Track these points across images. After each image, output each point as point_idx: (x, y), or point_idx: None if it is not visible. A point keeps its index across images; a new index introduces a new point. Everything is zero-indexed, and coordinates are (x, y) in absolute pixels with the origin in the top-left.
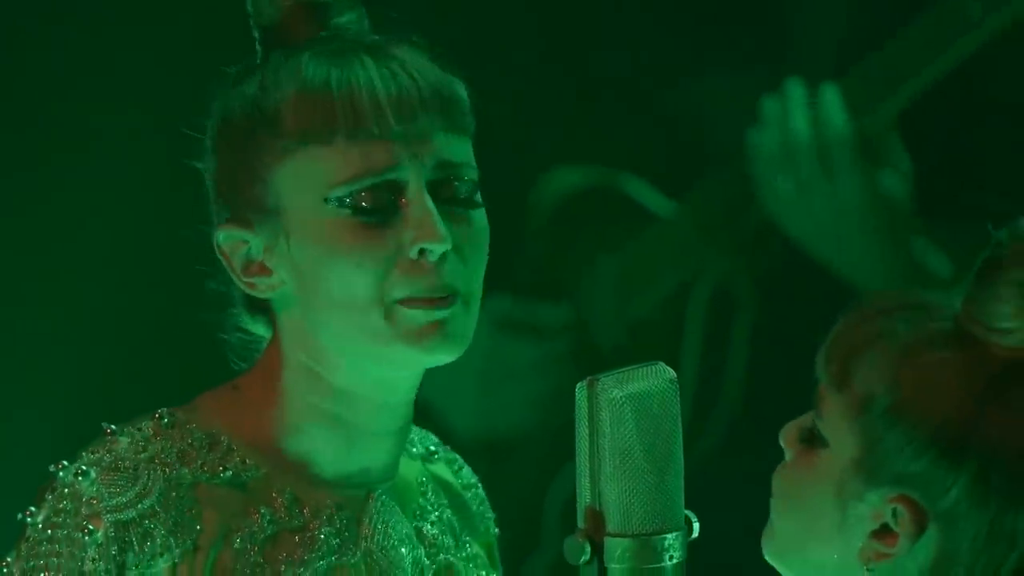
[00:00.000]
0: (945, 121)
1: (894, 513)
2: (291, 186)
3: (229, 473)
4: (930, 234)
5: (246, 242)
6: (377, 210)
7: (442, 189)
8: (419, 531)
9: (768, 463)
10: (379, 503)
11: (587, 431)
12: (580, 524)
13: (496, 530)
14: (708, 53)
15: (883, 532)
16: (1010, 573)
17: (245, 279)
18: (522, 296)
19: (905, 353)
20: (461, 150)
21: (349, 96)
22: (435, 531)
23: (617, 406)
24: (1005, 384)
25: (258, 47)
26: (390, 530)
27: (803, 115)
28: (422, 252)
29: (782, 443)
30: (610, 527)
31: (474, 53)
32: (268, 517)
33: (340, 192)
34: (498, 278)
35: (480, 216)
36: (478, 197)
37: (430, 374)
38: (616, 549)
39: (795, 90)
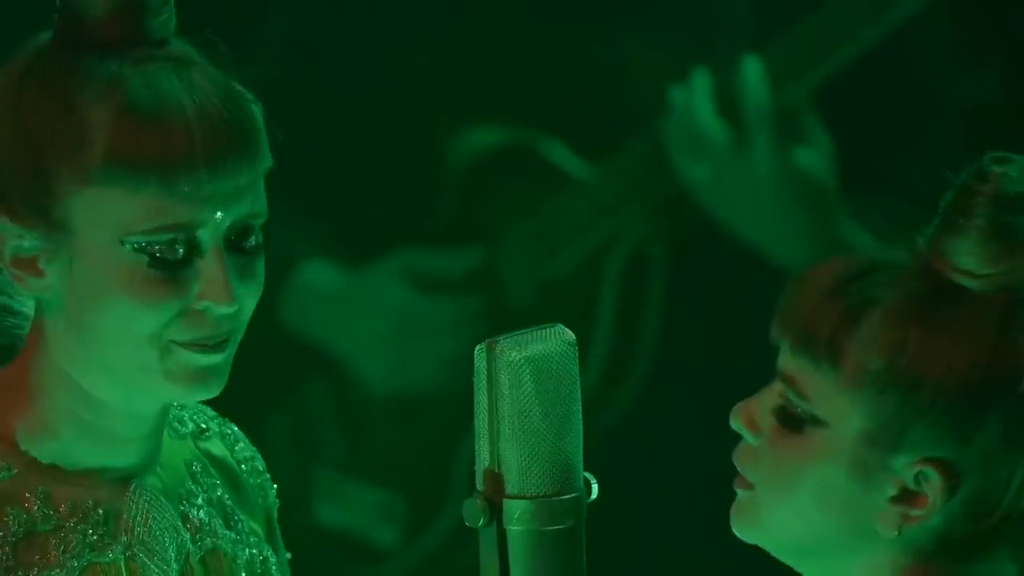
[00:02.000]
0: (864, 97)
1: (917, 477)
2: (86, 215)
3: None
4: (852, 210)
5: (21, 236)
6: (172, 262)
7: (236, 237)
8: (184, 516)
9: (679, 423)
10: (138, 494)
11: (486, 394)
12: (479, 486)
13: (276, 500)
14: (628, 16)
15: (906, 496)
16: None
17: (12, 270)
18: (436, 254)
19: (898, 316)
20: (260, 197)
21: (166, 143)
22: (202, 515)
23: (516, 368)
24: (1010, 326)
25: (55, 36)
26: (151, 521)
27: (709, 105)
28: (207, 307)
29: (739, 426)
30: (509, 489)
31: (392, 5)
32: (19, 518)
33: (138, 240)
34: (413, 235)
35: (261, 264)
36: (260, 240)
37: (347, 331)
38: (515, 511)
39: (701, 81)
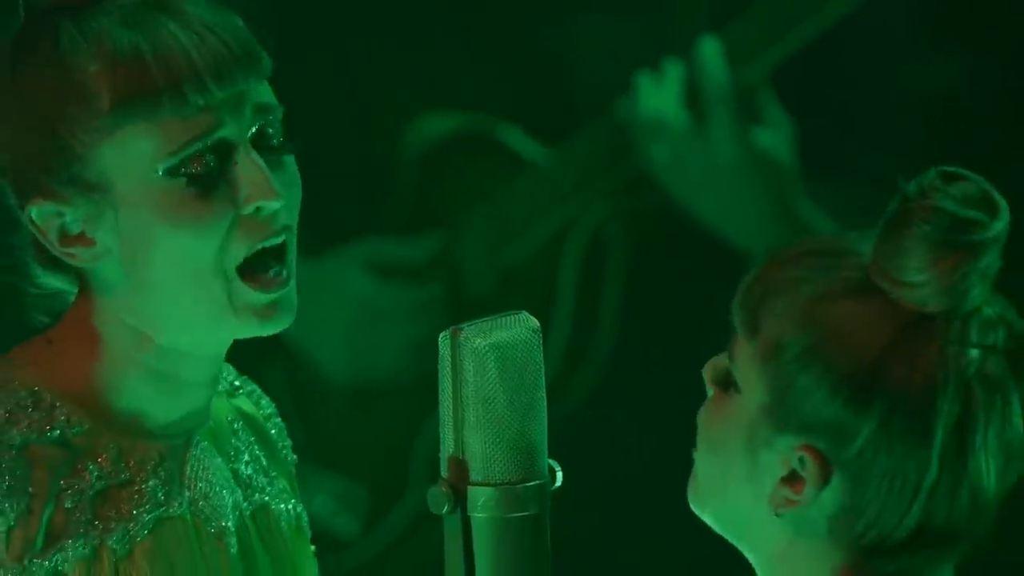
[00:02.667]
0: (823, 78)
1: (801, 461)
2: (116, 163)
3: (57, 432)
4: (811, 192)
5: (61, 214)
6: (209, 175)
7: (261, 139)
8: (235, 473)
9: (638, 409)
10: (198, 450)
11: (450, 381)
12: (443, 474)
13: (294, 457)
14: (584, 0)
15: (792, 479)
16: (914, 520)
17: (63, 250)
18: (394, 241)
19: (815, 301)
20: (270, 93)
21: (167, 70)
22: (249, 471)
23: (480, 355)
24: (909, 336)
25: (27, 14)
26: (211, 476)
27: (668, 87)
28: (258, 208)
29: (705, 379)
30: (473, 476)
31: None
32: (96, 473)
33: (170, 163)
34: (371, 222)
35: (291, 158)
36: (286, 136)
37: (303, 320)
38: (479, 498)
39: (672, 69)
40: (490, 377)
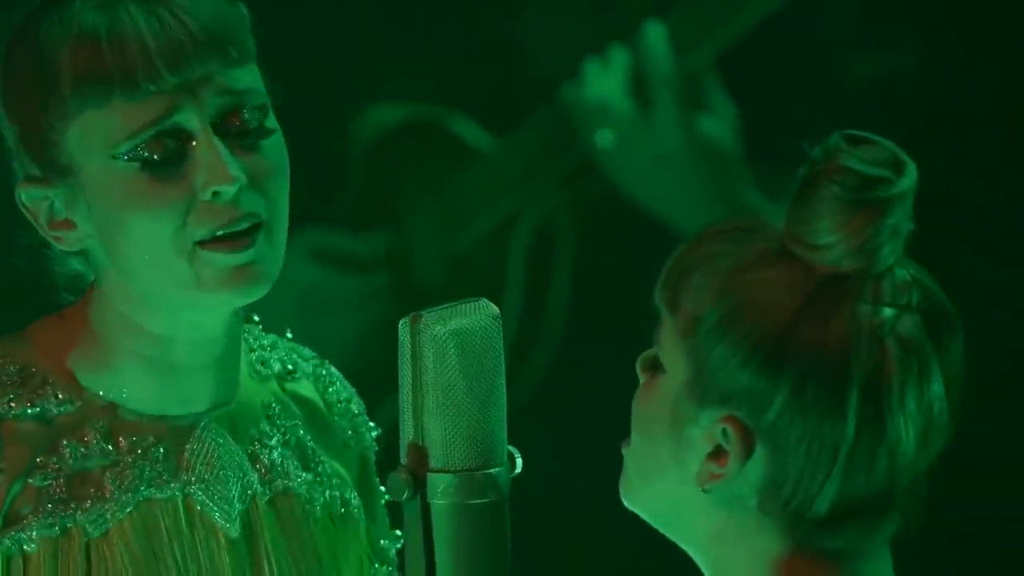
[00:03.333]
0: (768, 65)
1: (724, 433)
2: (79, 146)
3: (37, 409)
4: (755, 179)
5: (48, 198)
6: (166, 159)
7: (230, 123)
8: (253, 457)
9: (589, 397)
10: (204, 433)
11: (410, 367)
12: (403, 460)
13: (374, 444)
14: None
15: (717, 454)
16: (835, 486)
17: (52, 233)
18: (342, 229)
19: (730, 272)
20: (244, 78)
21: (120, 54)
22: (274, 456)
23: (440, 342)
24: (821, 300)
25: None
26: (214, 460)
27: (622, 78)
28: (215, 194)
29: (638, 371)
30: (433, 463)
31: None
32: (75, 452)
33: (125, 147)
34: (318, 211)
35: (273, 143)
36: (270, 123)
37: (251, 306)
38: (439, 485)
39: (618, 55)
40: (450, 364)
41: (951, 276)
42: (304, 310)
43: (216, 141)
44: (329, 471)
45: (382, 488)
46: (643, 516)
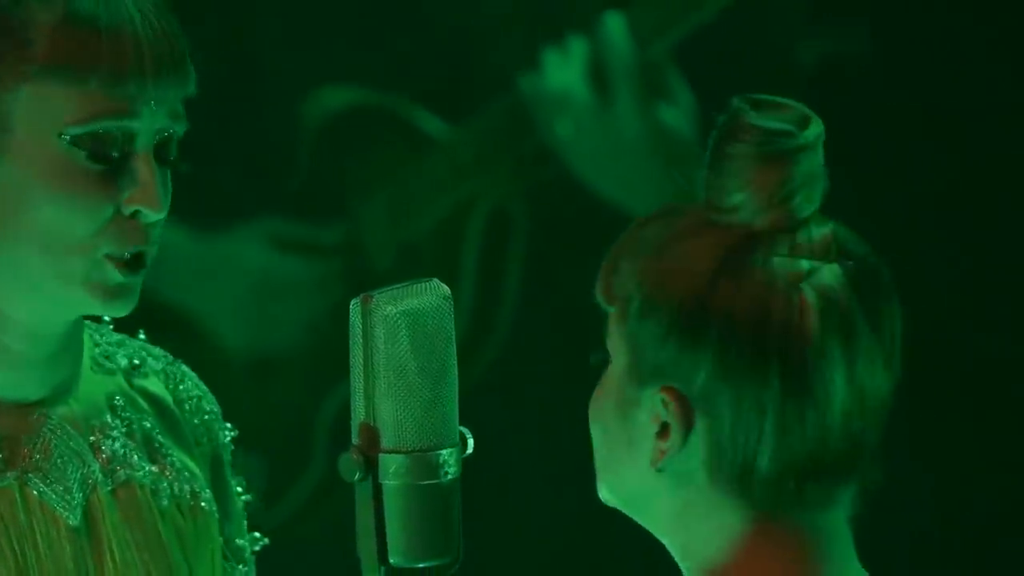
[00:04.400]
0: (726, 54)
1: (665, 406)
2: (27, 111)
3: None
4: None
5: None
6: (107, 159)
7: (161, 149)
8: (95, 447)
9: (540, 383)
10: (40, 422)
11: (361, 348)
12: (354, 441)
13: (230, 444)
14: None
15: (664, 431)
16: (770, 445)
17: None
18: (294, 215)
19: (654, 252)
20: (182, 109)
21: (116, 46)
22: (116, 447)
23: (391, 323)
24: (735, 258)
25: None
26: (52, 449)
27: (581, 67)
28: (136, 213)
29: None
30: (384, 443)
31: None
32: None
33: (78, 131)
34: (270, 197)
35: (171, 176)
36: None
37: (202, 292)
38: (390, 465)
39: (576, 44)
40: (401, 344)
41: (904, 259)
42: (256, 295)
43: (154, 163)
44: (178, 465)
45: (239, 488)
46: (616, 505)
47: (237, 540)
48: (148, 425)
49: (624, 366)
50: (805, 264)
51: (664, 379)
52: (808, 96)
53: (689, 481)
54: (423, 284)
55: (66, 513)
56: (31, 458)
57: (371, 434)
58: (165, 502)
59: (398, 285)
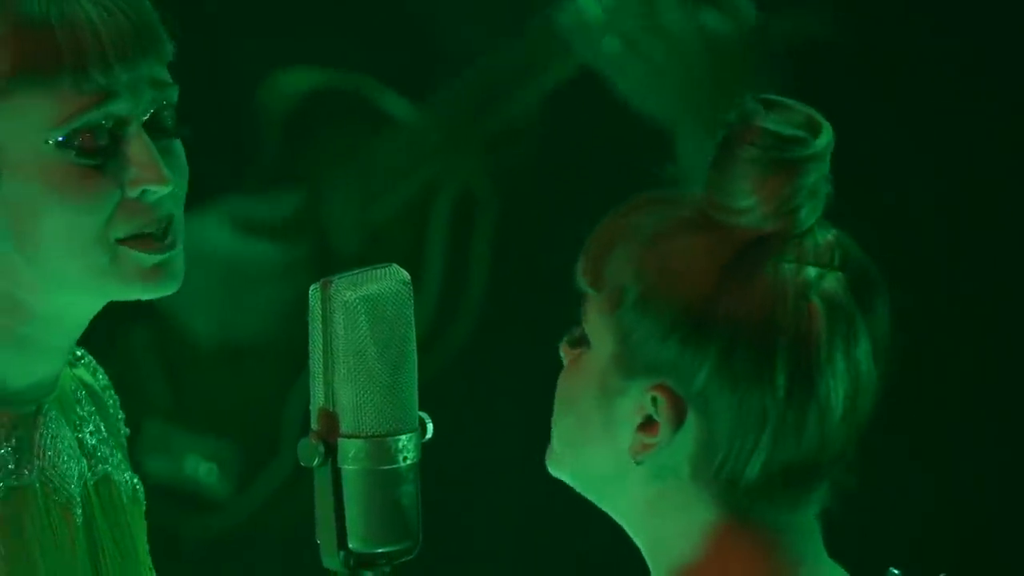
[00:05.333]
0: None
1: (654, 402)
2: (9, 128)
3: None
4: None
5: None
6: (98, 151)
7: (155, 121)
8: (80, 442)
9: (507, 368)
10: (47, 418)
11: (320, 333)
12: (314, 426)
13: (127, 430)
14: None
15: (648, 424)
16: (766, 451)
17: None
18: (258, 199)
19: (650, 243)
20: (167, 76)
21: (73, 42)
22: (93, 441)
23: (351, 308)
24: (744, 263)
25: None
26: (59, 445)
27: None
28: (144, 192)
29: (561, 355)
30: (344, 428)
31: None
32: None
33: (60, 133)
34: (234, 181)
35: (179, 146)
36: (177, 123)
37: None
38: (350, 450)
39: None
40: (360, 330)
41: (873, 242)
42: (222, 281)
43: (147, 139)
44: (119, 455)
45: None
46: (574, 487)
47: None
48: (98, 418)
49: (610, 354)
50: (812, 271)
51: (658, 375)
52: (772, 70)
53: (669, 474)
54: (382, 269)
55: (76, 510)
56: (45, 455)
57: (330, 419)
58: (124, 496)
59: (357, 270)
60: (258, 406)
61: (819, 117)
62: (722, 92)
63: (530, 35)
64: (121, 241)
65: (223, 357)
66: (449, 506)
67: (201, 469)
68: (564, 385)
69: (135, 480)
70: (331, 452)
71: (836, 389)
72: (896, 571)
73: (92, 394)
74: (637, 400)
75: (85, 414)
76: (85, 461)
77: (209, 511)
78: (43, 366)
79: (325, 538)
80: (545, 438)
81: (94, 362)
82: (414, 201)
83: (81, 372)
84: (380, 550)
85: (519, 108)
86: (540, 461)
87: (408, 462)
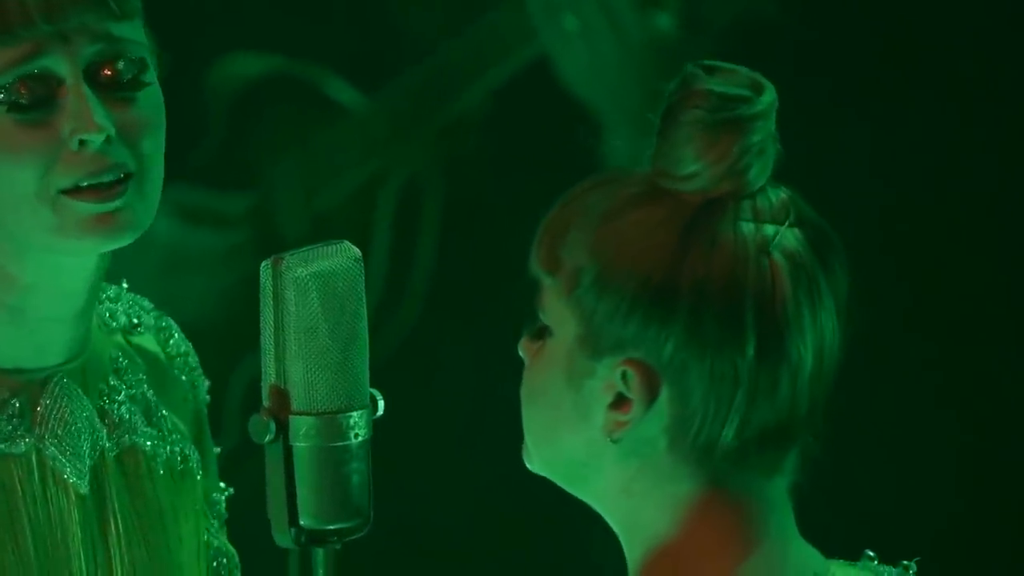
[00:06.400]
0: None
1: (624, 378)
2: None
3: None
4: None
5: None
6: (34, 104)
7: (102, 73)
8: (102, 412)
9: (452, 354)
10: (57, 388)
11: (272, 310)
12: (265, 403)
13: (207, 397)
14: None
15: (619, 402)
16: (740, 413)
17: None
18: (204, 185)
19: (602, 221)
20: (123, 30)
21: None
22: (123, 411)
23: (302, 285)
24: (700, 227)
25: None
26: (67, 416)
27: None
28: (82, 143)
29: (521, 354)
30: (295, 405)
31: None
32: None
33: None
34: (178, 166)
35: (149, 95)
36: (147, 77)
37: (112, 264)
38: (301, 427)
39: None
40: (312, 307)
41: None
42: (166, 266)
43: (86, 89)
44: (170, 426)
45: (212, 441)
46: (551, 478)
47: (213, 494)
48: (146, 386)
49: (574, 337)
50: (770, 229)
51: (625, 351)
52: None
53: (646, 448)
54: (334, 246)
55: (78, 481)
56: (48, 424)
57: (281, 396)
58: (160, 467)
59: (309, 247)
60: None
61: (761, 78)
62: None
63: (479, 29)
64: (64, 192)
65: None
66: (400, 483)
67: None
68: (529, 379)
69: (188, 451)
70: (282, 429)
71: (805, 345)
72: (871, 553)
73: (152, 362)
74: (606, 379)
75: (122, 384)
76: (105, 431)
77: None
78: (39, 337)
79: (276, 515)
80: (488, 420)
81: (170, 327)
82: (361, 190)
83: (143, 340)
84: (331, 527)
85: (468, 100)
86: (489, 437)
87: (359, 439)
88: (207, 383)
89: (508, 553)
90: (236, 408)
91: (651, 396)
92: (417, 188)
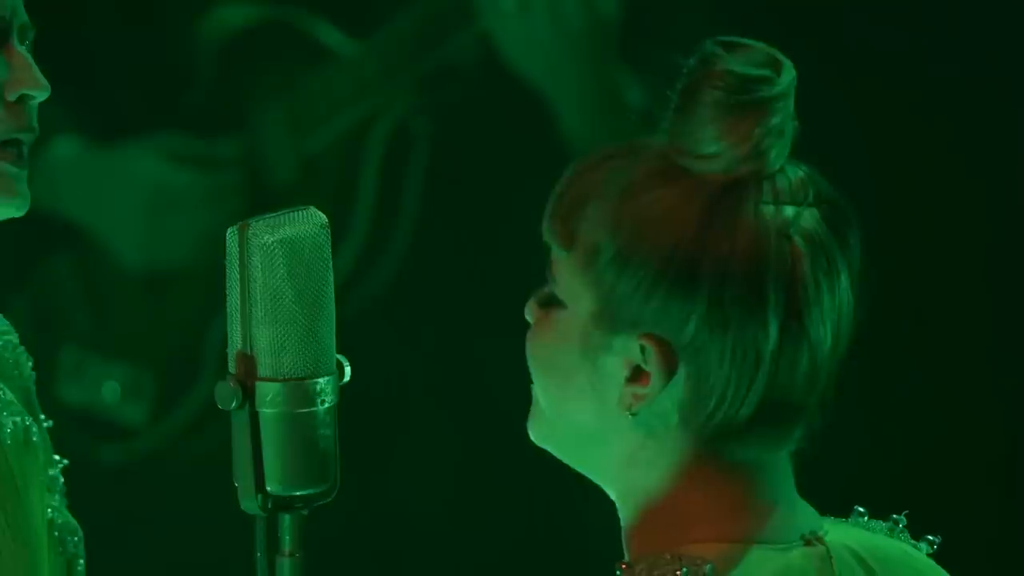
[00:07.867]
0: None
1: (643, 353)
2: None
3: None
4: (633, 65)
5: None
6: None
7: (24, 35)
8: None
9: (434, 304)
10: None
11: (238, 276)
12: (231, 369)
13: (33, 373)
14: None
15: (636, 376)
16: (759, 392)
17: None
18: (192, 129)
19: (622, 198)
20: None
21: None
22: None
23: (268, 251)
24: (722, 208)
25: None
26: None
27: None
28: (22, 98)
29: (528, 315)
30: (261, 372)
31: None
32: None
33: None
34: (167, 110)
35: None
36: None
37: (98, 206)
38: (267, 394)
39: None
40: (278, 273)
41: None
42: (151, 208)
43: (24, 48)
44: (9, 398)
45: (42, 416)
46: (552, 450)
47: (49, 471)
48: None
49: (591, 313)
50: (790, 211)
51: (644, 327)
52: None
53: (657, 422)
54: (301, 212)
55: None
56: None
57: (248, 362)
58: (8, 438)
59: (275, 213)
60: (180, 335)
61: (779, 55)
62: (603, 74)
63: None
64: None
65: (147, 284)
66: (367, 449)
67: (117, 395)
68: (538, 346)
69: (27, 422)
70: (249, 395)
71: (824, 324)
72: (861, 509)
73: None
74: (623, 354)
75: None
76: None
77: (125, 439)
78: None
79: (243, 481)
80: (471, 378)
81: None
82: (349, 133)
83: None
84: (298, 493)
85: (457, 46)
86: (463, 399)
87: (326, 405)
88: (31, 360)
89: (482, 521)
90: (216, 352)
91: (669, 372)
92: (406, 132)
